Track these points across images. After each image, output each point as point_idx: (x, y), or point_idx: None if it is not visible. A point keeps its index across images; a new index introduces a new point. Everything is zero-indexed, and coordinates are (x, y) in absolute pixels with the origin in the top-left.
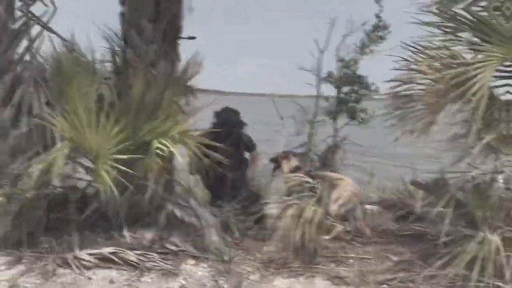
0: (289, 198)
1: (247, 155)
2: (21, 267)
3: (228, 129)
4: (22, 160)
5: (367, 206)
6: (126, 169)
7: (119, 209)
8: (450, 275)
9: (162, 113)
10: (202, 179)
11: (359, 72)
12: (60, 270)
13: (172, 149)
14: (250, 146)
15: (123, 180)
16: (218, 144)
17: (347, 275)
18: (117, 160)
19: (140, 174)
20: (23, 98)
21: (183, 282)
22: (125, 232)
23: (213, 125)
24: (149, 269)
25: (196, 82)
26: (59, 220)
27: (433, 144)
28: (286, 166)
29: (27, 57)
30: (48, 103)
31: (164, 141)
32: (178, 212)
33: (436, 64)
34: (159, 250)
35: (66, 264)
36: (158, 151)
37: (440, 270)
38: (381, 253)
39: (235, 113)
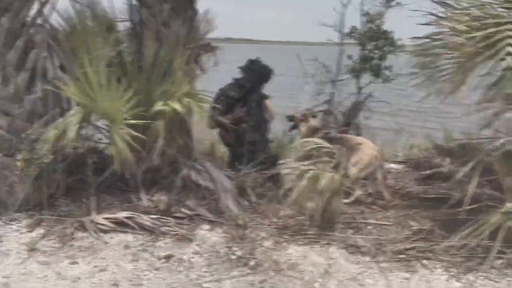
0: (304, 163)
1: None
2: (40, 230)
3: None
4: (39, 125)
5: (393, 165)
6: (138, 134)
7: (135, 172)
8: (471, 245)
9: (173, 74)
10: (222, 138)
11: (385, 27)
12: (78, 234)
13: (180, 110)
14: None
15: (135, 145)
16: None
17: (364, 244)
18: (131, 125)
19: (153, 138)
20: (37, 62)
21: (197, 248)
22: (142, 196)
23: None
24: (164, 234)
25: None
26: (80, 182)
27: (461, 105)
28: (304, 128)
29: (39, 21)
30: (62, 67)
31: (170, 103)
32: (194, 176)
33: (467, 19)
34: (175, 215)
35: (83, 228)
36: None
37: (461, 240)
38: (401, 219)
39: (265, 68)
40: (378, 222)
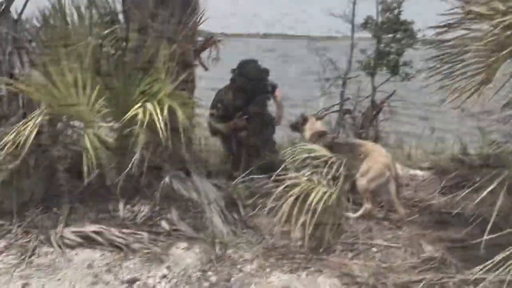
0: (293, 175)
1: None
2: (3, 243)
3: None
4: (4, 127)
5: (418, 172)
6: (108, 139)
7: (114, 179)
8: (492, 279)
9: (155, 72)
10: (223, 144)
11: (403, 17)
12: (42, 249)
13: (158, 113)
14: (271, 89)
15: (112, 149)
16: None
17: (360, 273)
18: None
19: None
20: (4, 59)
21: (166, 271)
22: (120, 206)
23: (232, 83)
24: (134, 252)
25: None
26: (60, 190)
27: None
28: (307, 132)
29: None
30: (33, 65)
31: (147, 105)
32: (175, 185)
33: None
34: (152, 229)
35: (49, 241)
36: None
37: (480, 274)
38: (414, 239)
39: (261, 71)
40: (385, 243)
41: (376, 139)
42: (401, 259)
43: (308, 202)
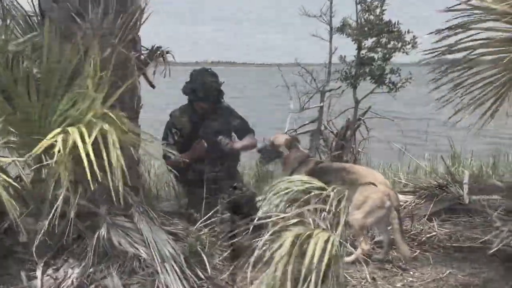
0: (282, 215)
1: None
2: None
3: (208, 103)
4: None
5: (401, 197)
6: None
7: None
8: None
9: (81, 86)
10: (178, 176)
11: (386, 17)
12: None
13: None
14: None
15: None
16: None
17: None
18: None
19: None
20: None
21: None
22: (38, 272)
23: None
24: None
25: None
26: None
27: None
28: (288, 157)
29: None
30: None
31: (70, 130)
32: (116, 238)
33: None
34: None
35: None
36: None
37: None
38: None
39: (214, 76)
40: None
41: (354, 161)
42: None
43: (309, 253)
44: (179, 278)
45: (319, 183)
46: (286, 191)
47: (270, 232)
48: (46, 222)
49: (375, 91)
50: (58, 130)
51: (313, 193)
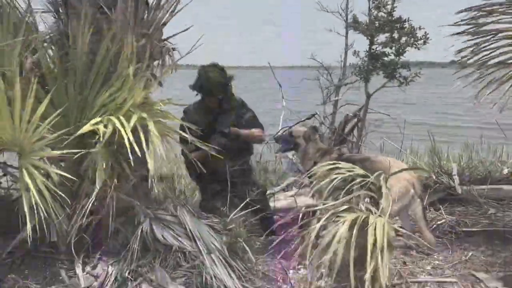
0: (329, 202)
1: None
2: None
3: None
4: None
5: None
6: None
7: (63, 231)
8: None
9: (118, 78)
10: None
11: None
12: None
13: (127, 130)
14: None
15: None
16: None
17: None
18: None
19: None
20: None
21: None
22: (77, 269)
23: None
24: None
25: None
26: None
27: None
28: (309, 148)
29: None
30: None
31: (112, 119)
32: (159, 232)
33: None
34: None
35: None
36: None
37: None
38: (460, 268)
39: (221, 71)
40: (436, 279)
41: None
42: None
43: (371, 235)
44: (226, 269)
45: (361, 171)
46: (332, 179)
47: (325, 217)
48: (83, 219)
49: (386, 85)
50: (99, 118)
51: (358, 180)
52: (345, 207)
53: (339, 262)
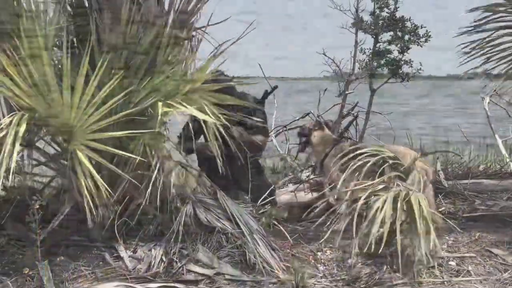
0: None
1: None
2: None
3: None
4: None
5: None
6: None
7: (106, 216)
8: None
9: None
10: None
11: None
12: None
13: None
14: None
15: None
16: None
17: None
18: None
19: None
20: None
21: None
22: (121, 252)
23: None
24: None
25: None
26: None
27: None
28: (317, 143)
29: None
30: None
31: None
32: (202, 215)
33: None
34: (179, 278)
35: None
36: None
37: None
38: (473, 245)
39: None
40: (455, 254)
41: None
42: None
43: (416, 208)
44: (268, 249)
45: (391, 154)
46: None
47: (365, 195)
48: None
49: (389, 81)
50: (161, 104)
51: (390, 162)
52: (381, 186)
53: (386, 231)
